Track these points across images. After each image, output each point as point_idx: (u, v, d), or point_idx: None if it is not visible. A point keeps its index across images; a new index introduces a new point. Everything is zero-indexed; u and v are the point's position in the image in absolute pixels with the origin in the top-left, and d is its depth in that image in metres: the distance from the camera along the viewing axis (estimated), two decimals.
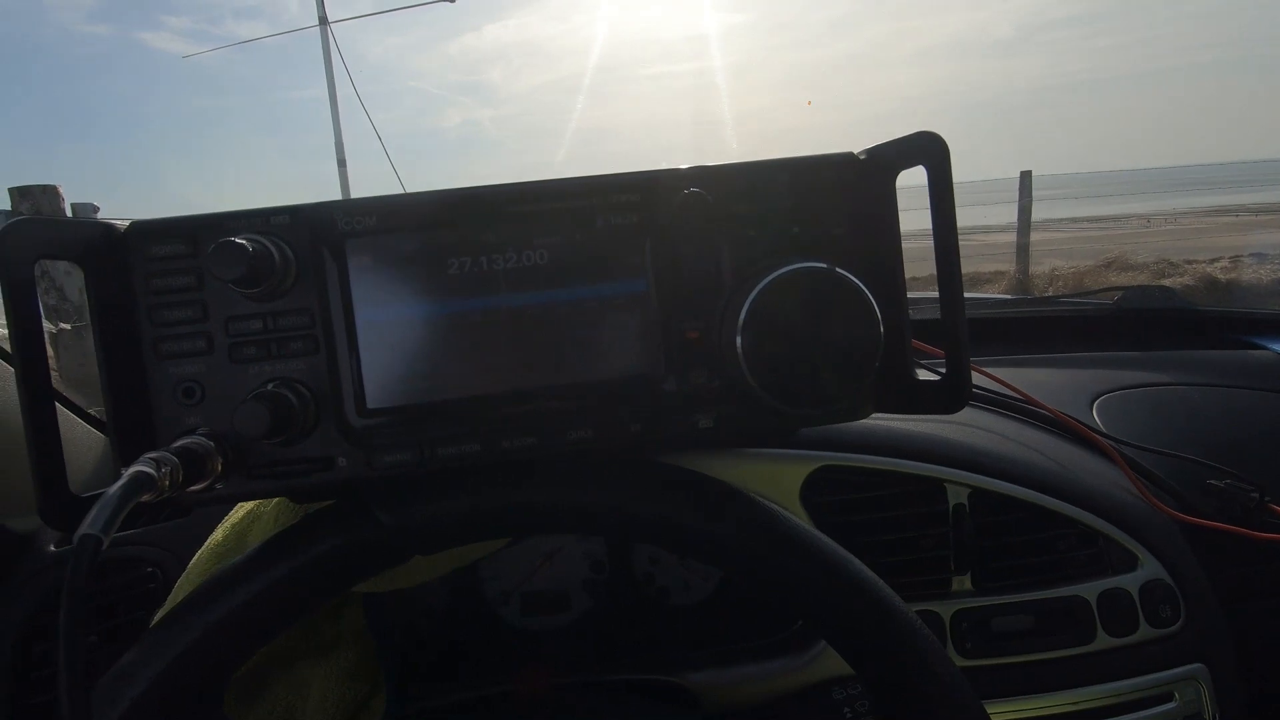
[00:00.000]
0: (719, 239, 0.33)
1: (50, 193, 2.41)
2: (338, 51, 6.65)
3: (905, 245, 0.35)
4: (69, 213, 2.41)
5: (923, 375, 0.35)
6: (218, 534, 0.46)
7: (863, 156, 0.34)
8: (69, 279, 2.43)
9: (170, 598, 0.45)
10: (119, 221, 0.32)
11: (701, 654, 0.58)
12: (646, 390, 0.34)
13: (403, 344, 0.33)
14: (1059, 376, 0.88)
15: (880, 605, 0.33)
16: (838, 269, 0.31)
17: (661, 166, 0.34)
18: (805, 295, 0.31)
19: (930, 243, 0.33)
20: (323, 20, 6.66)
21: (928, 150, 0.32)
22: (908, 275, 0.36)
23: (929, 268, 0.36)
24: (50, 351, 0.32)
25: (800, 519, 0.35)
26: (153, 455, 0.27)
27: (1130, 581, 0.59)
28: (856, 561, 0.34)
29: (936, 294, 0.33)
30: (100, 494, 0.25)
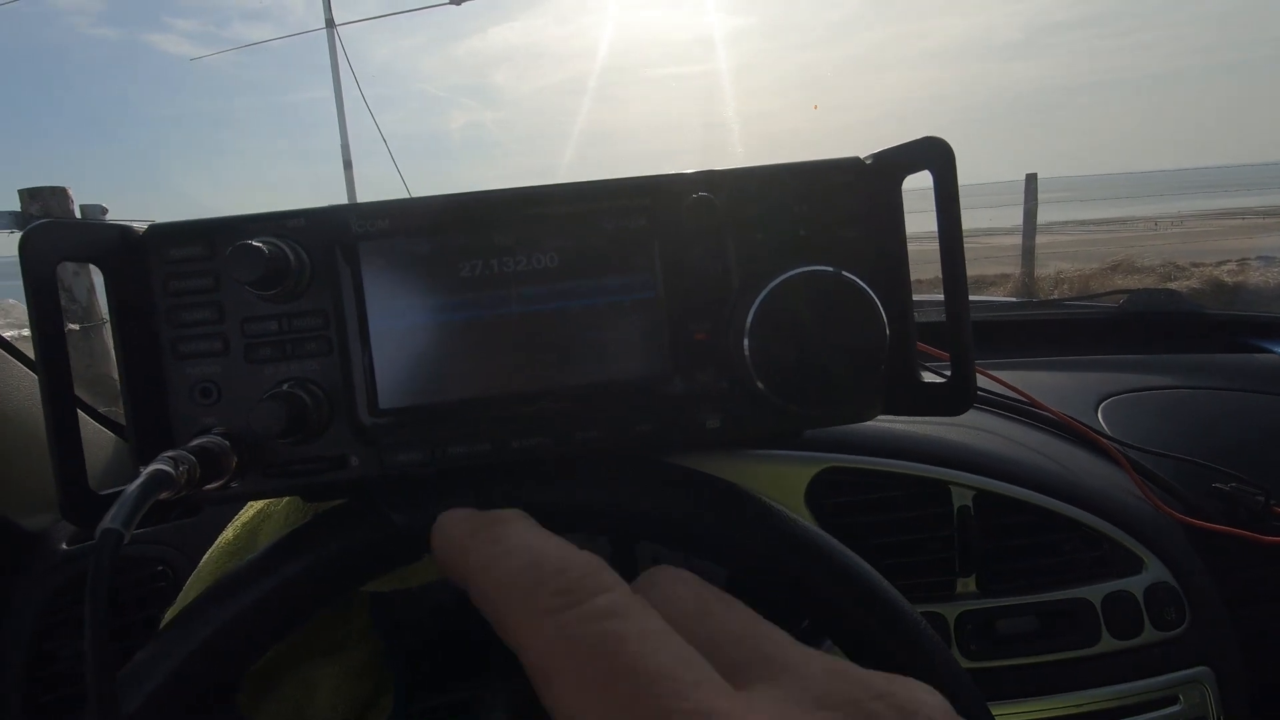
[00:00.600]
0: (726, 242, 0.34)
1: (59, 194, 2.42)
2: (344, 54, 6.69)
3: (909, 247, 0.35)
4: (78, 214, 2.43)
5: (928, 377, 0.36)
6: (228, 533, 0.47)
7: (869, 161, 0.35)
8: (77, 280, 2.44)
9: (181, 596, 0.45)
10: (138, 224, 0.32)
11: None
12: (655, 391, 0.34)
13: (414, 345, 0.33)
14: (1064, 379, 0.89)
15: (886, 606, 0.33)
16: (844, 272, 0.32)
17: (667, 169, 0.34)
18: (812, 298, 0.31)
19: (932, 245, 0.34)
20: (329, 23, 6.70)
21: (933, 155, 0.32)
22: (911, 278, 0.36)
23: (932, 270, 0.37)
24: None
25: (805, 520, 0.35)
26: (171, 454, 0.28)
27: (1135, 584, 0.59)
28: (862, 562, 0.34)
29: (941, 296, 0.34)
30: (120, 491, 0.26)
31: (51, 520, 0.67)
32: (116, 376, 0.31)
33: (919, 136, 0.33)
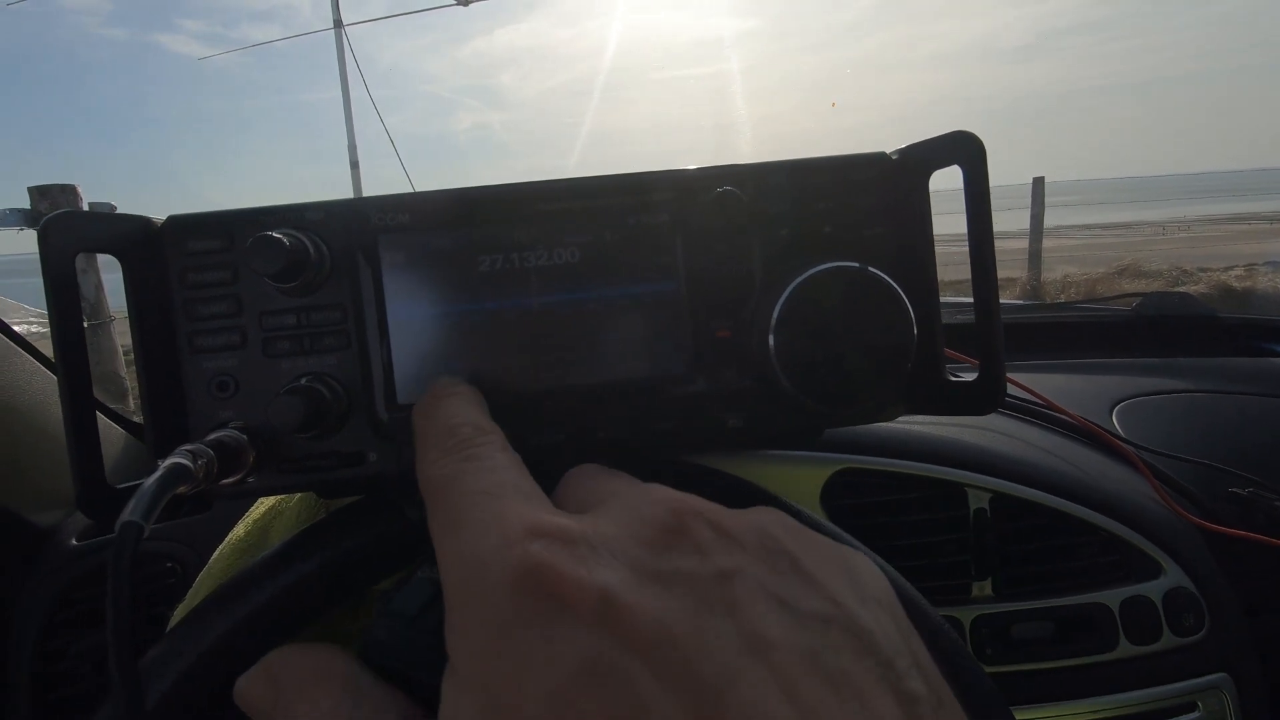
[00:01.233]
0: (751, 238, 0.33)
1: (69, 192, 2.43)
2: (352, 55, 6.70)
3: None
4: None
5: (954, 377, 0.35)
6: (239, 529, 0.46)
7: (895, 156, 0.34)
8: (84, 277, 2.45)
9: (191, 593, 0.45)
10: (155, 216, 0.32)
11: None
12: (676, 389, 0.34)
13: (433, 340, 0.33)
14: (1078, 382, 0.88)
15: (908, 606, 0.32)
16: (871, 268, 0.31)
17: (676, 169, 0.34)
18: (838, 295, 0.31)
19: (952, 248, 0.33)
20: (338, 23, 6.72)
21: (963, 150, 0.32)
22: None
23: (949, 273, 0.36)
24: None
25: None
26: (189, 447, 0.27)
27: (1153, 589, 0.58)
28: (881, 562, 0.34)
29: (960, 298, 0.33)
30: (137, 485, 0.25)
31: (61, 516, 0.67)
32: (124, 374, 0.31)
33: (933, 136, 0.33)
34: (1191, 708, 0.57)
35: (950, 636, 0.32)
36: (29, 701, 0.58)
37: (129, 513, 0.22)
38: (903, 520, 0.58)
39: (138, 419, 0.80)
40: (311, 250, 0.30)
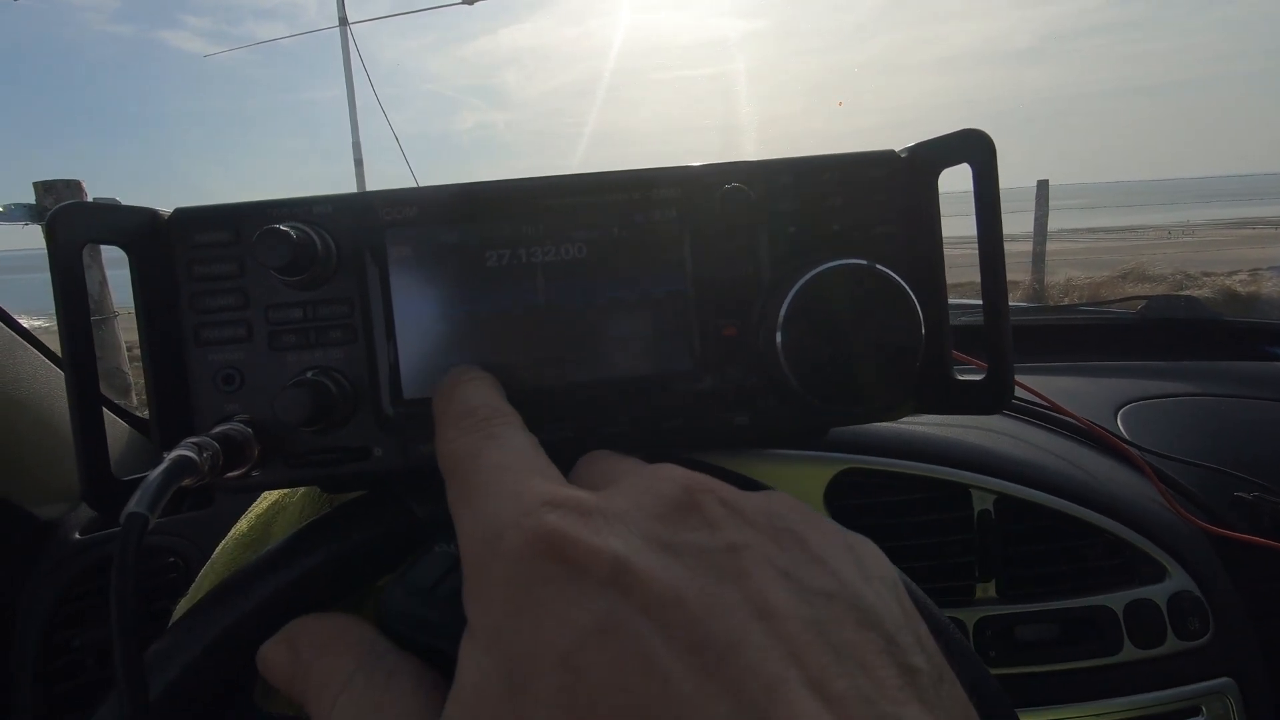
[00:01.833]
0: (759, 235, 0.33)
1: (73, 187, 2.44)
2: (357, 53, 6.71)
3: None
4: None
5: (961, 376, 0.35)
6: (242, 524, 0.46)
7: (904, 154, 0.34)
8: (88, 273, 2.46)
9: (194, 587, 0.45)
10: (163, 209, 0.32)
11: None
12: (683, 387, 0.34)
13: (439, 334, 0.33)
14: (1083, 385, 0.88)
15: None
16: (879, 266, 0.31)
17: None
18: (846, 293, 0.31)
19: (957, 250, 0.33)
20: (343, 21, 6.72)
21: (973, 148, 0.32)
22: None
23: (956, 275, 0.36)
24: None
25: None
26: (194, 440, 0.27)
27: (1158, 593, 0.58)
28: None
29: (966, 300, 0.33)
30: (142, 477, 0.25)
31: (65, 510, 0.67)
32: (128, 370, 0.31)
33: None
34: (1195, 712, 0.57)
35: (955, 637, 0.32)
36: (33, 695, 0.58)
37: (134, 504, 0.22)
38: (907, 521, 0.58)
39: (141, 414, 0.80)
40: (318, 244, 0.30)
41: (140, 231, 0.31)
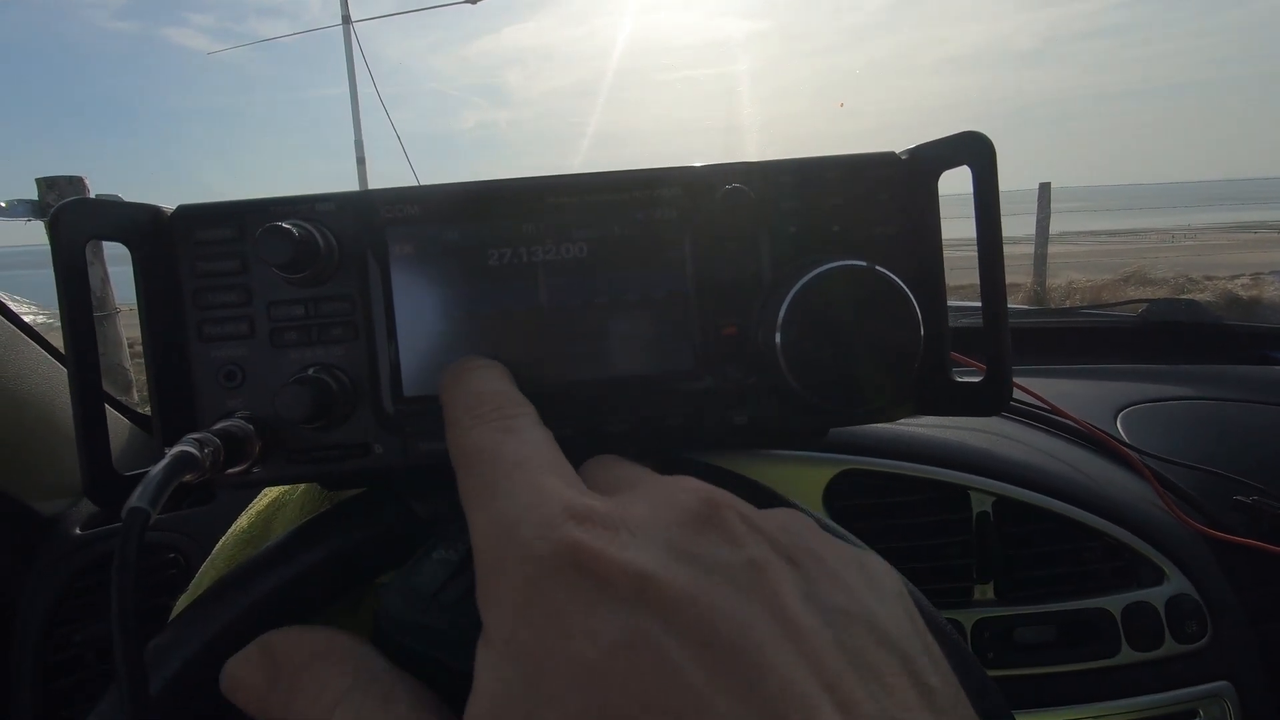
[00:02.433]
0: (759, 235, 0.33)
1: (76, 183, 2.45)
2: (360, 51, 6.72)
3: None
4: None
5: (960, 377, 0.35)
6: (242, 521, 0.46)
7: (904, 156, 0.34)
8: (90, 269, 2.46)
9: (194, 584, 0.45)
10: (165, 205, 0.32)
11: None
12: (682, 386, 0.34)
13: (440, 332, 0.33)
14: (1082, 387, 0.88)
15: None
16: (879, 267, 0.31)
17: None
18: (846, 293, 0.31)
19: (957, 252, 0.33)
20: (346, 19, 6.73)
21: (973, 150, 0.32)
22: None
23: (955, 278, 0.36)
24: None
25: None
26: (196, 435, 0.27)
27: (1156, 596, 0.58)
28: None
29: (965, 303, 0.33)
30: (144, 472, 0.25)
31: (66, 505, 0.67)
32: (129, 367, 0.31)
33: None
34: (1193, 715, 0.57)
35: (954, 639, 0.32)
36: (33, 690, 0.58)
37: (136, 499, 0.23)
38: (905, 522, 0.58)
39: (142, 411, 0.80)
40: (321, 241, 0.30)
41: (143, 228, 0.31)
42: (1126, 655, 0.57)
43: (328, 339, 0.32)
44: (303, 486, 0.43)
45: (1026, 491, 0.59)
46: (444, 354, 0.33)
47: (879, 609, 0.19)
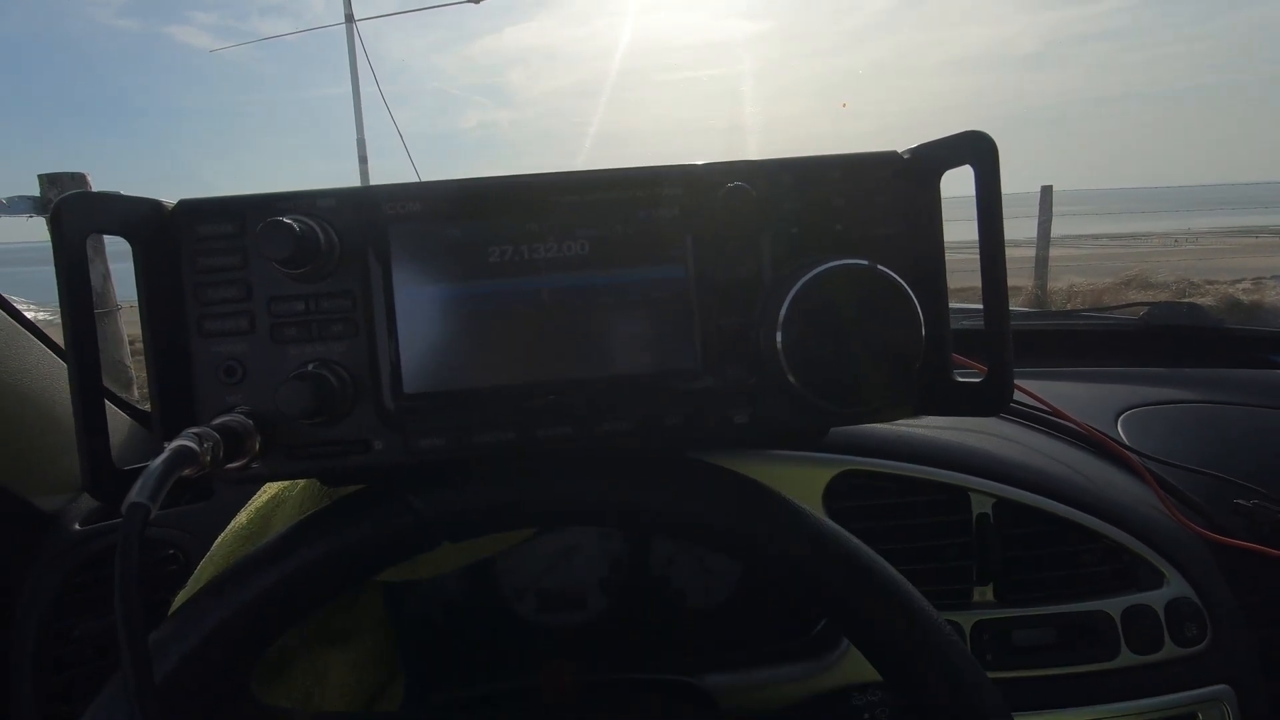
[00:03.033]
0: (761, 234, 0.33)
1: (78, 180, 2.45)
2: (363, 50, 6.71)
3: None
4: None
5: (961, 378, 0.35)
6: (242, 517, 0.46)
7: (906, 155, 0.34)
8: (91, 266, 2.45)
9: (193, 579, 0.45)
10: (167, 200, 0.32)
11: (719, 657, 0.58)
12: (682, 384, 0.34)
13: (441, 330, 0.33)
14: (1084, 390, 0.87)
15: (907, 606, 0.32)
16: (880, 267, 0.31)
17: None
18: (847, 293, 0.31)
19: (958, 255, 0.33)
20: (349, 18, 6.73)
21: (976, 150, 0.32)
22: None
23: (956, 280, 0.36)
24: None
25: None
26: (195, 430, 0.27)
27: (1156, 599, 0.58)
28: (884, 562, 0.34)
29: (966, 305, 0.33)
30: (143, 467, 0.25)
31: (66, 500, 0.67)
32: (129, 363, 0.31)
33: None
34: (1192, 719, 0.56)
35: (953, 641, 0.32)
36: (33, 684, 0.58)
37: (135, 494, 0.23)
38: (905, 523, 0.58)
39: (142, 407, 0.80)
40: (322, 237, 0.30)
41: (144, 222, 0.31)
42: (1126, 658, 0.57)
43: (328, 335, 0.32)
44: (302, 483, 0.43)
45: (1027, 493, 0.59)
46: (445, 351, 0.33)
47: None
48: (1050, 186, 6.24)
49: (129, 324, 2.64)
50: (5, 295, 0.66)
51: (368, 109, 6.97)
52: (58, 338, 0.68)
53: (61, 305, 0.28)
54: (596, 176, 0.33)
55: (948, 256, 0.35)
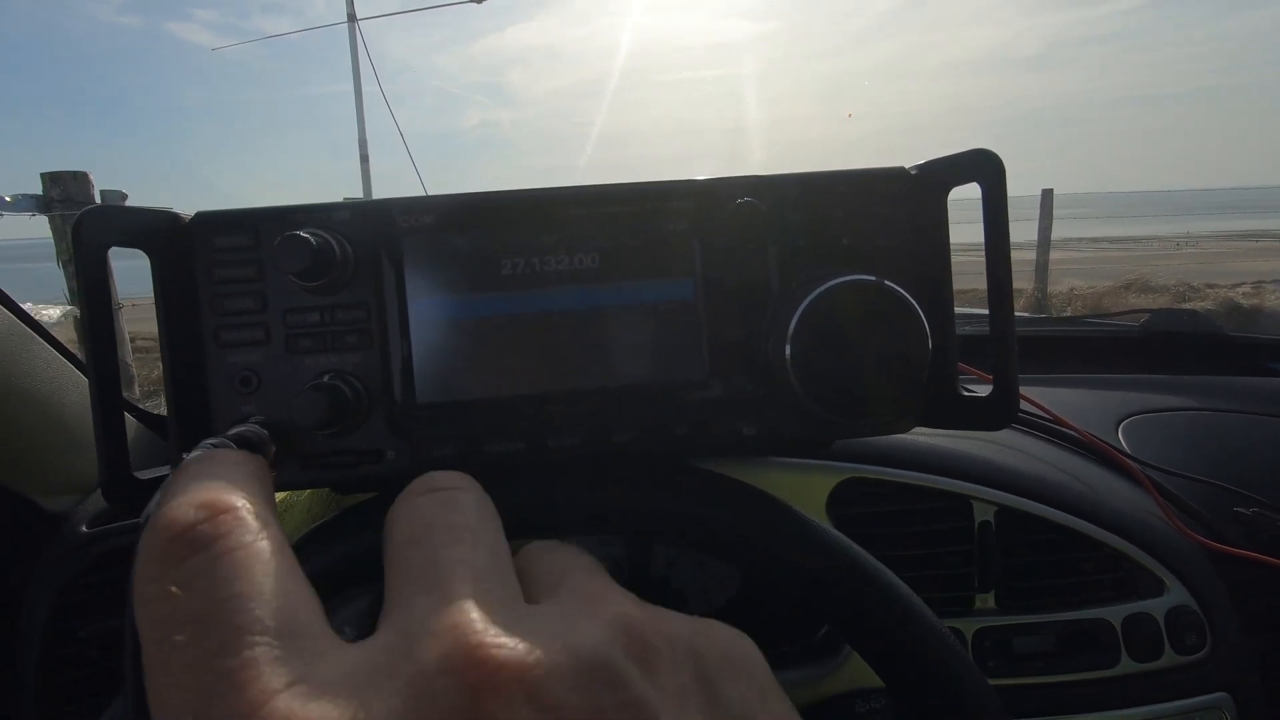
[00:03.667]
0: (769, 248, 0.34)
1: (80, 179, 2.45)
2: (365, 49, 6.72)
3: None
4: (98, 199, 2.44)
5: (967, 392, 0.35)
6: None
7: (914, 171, 0.35)
8: None
9: None
10: (184, 212, 0.32)
11: None
12: (691, 395, 0.34)
13: (454, 341, 0.33)
14: (1084, 397, 0.88)
15: (907, 611, 0.33)
16: (888, 283, 0.31)
17: (683, 174, 0.34)
18: (855, 307, 0.31)
19: (961, 257, 0.33)
20: (351, 17, 6.73)
21: (984, 168, 0.32)
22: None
23: (959, 282, 0.37)
24: (78, 339, 0.32)
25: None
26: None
27: (1156, 607, 0.58)
28: (886, 569, 0.34)
29: (970, 309, 0.34)
30: (161, 476, 0.26)
31: (72, 502, 0.67)
32: (130, 361, 0.31)
33: (940, 147, 0.33)
34: None
35: (955, 648, 0.32)
36: (37, 684, 0.58)
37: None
38: (908, 531, 0.59)
39: (144, 407, 0.81)
40: (337, 250, 0.31)
41: (162, 234, 0.31)
42: (1126, 666, 0.57)
43: (342, 346, 0.32)
44: (309, 490, 0.43)
45: (1029, 501, 0.59)
46: (457, 362, 0.33)
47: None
48: (1051, 190, 6.24)
49: (130, 322, 2.65)
50: (10, 296, 0.66)
51: (369, 108, 6.97)
52: (59, 335, 0.69)
53: (81, 317, 0.28)
54: (606, 190, 0.33)
55: (952, 258, 0.35)
